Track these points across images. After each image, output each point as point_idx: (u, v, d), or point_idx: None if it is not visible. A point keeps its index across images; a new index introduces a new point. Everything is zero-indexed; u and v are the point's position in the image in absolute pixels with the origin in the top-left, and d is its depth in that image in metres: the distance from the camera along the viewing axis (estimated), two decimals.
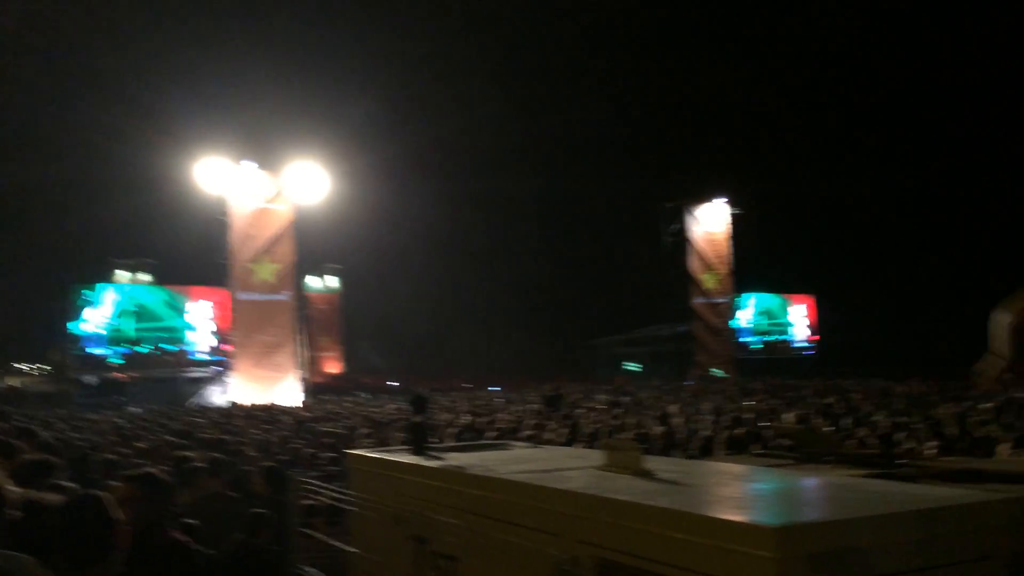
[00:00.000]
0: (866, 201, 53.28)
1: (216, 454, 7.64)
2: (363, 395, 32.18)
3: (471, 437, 10.85)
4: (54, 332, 43.76)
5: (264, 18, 70.36)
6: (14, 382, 52.04)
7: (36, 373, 61.30)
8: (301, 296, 40.52)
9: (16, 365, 65.26)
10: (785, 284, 50.28)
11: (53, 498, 3.47)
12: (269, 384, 33.78)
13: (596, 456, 4.43)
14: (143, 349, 37.80)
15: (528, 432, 11.20)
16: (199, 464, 7.43)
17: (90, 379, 35.73)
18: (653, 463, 3.99)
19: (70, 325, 36.83)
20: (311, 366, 41.92)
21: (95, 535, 2.63)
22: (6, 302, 56.94)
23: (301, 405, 27.39)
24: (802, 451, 5.39)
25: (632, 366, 50.83)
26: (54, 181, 52.32)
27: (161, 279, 41.17)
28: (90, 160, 50.53)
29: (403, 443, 6.54)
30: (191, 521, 5.36)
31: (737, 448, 7.78)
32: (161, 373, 37.23)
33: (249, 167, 34.99)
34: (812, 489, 3.55)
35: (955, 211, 50.42)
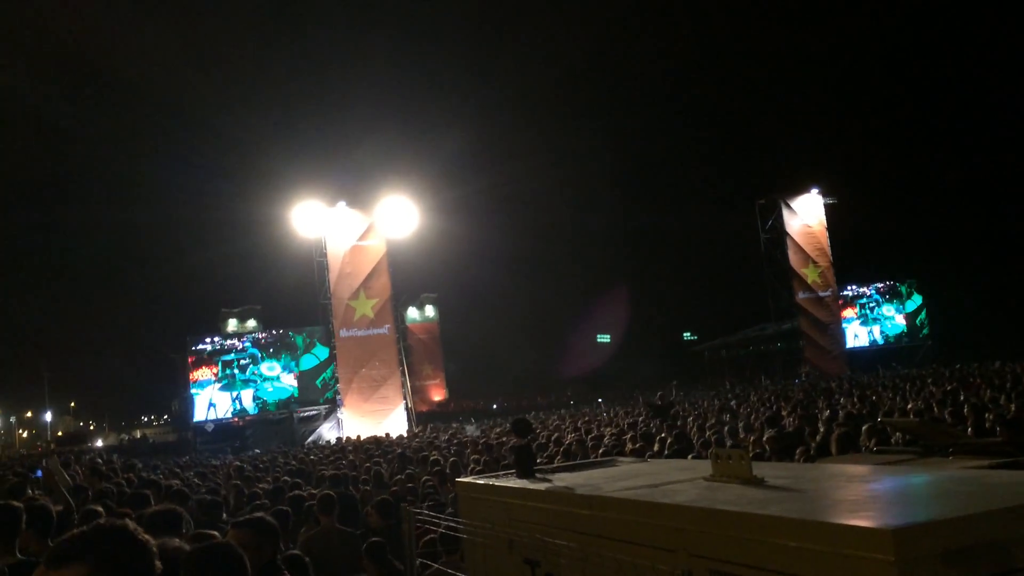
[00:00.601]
0: (964, 186, 51.11)
1: (328, 491, 7.82)
2: (469, 425, 32.56)
3: (578, 455, 10.81)
4: (173, 384, 45.81)
5: (354, 62, 72.53)
6: (139, 434, 54.71)
7: (160, 424, 64.30)
8: (401, 328, 41.30)
9: (143, 418, 68.59)
10: (890, 273, 48.44)
11: (185, 546, 3.63)
12: (378, 417, 34.50)
13: (704, 467, 4.36)
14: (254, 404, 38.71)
15: (635, 446, 11.07)
16: (312, 502, 7.63)
17: (208, 426, 37.18)
18: (763, 469, 3.90)
19: (188, 378, 38.31)
20: (416, 395, 42.57)
21: None
22: (129, 358, 60.05)
23: (409, 435, 27.82)
24: (922, 445, 5.18)
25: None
26: (164, 234, 55.14)
27: (267, 323, 42.65)
28: (195, 213, 52.99)
29: (510, 467, 6.57)
30: (302, 557, 5.52)
31: (854, 446, 7.51)
32: (275, 415, 38.42)
33: (342, 208, 36.09)
34: (930, 485, 3.40)
35: None
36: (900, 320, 47.69)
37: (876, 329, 47.02)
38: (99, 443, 47.22)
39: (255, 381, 38.28)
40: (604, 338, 59.72)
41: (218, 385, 37.57)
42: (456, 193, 48.71)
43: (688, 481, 4.06)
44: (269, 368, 38.79)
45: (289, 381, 38.34)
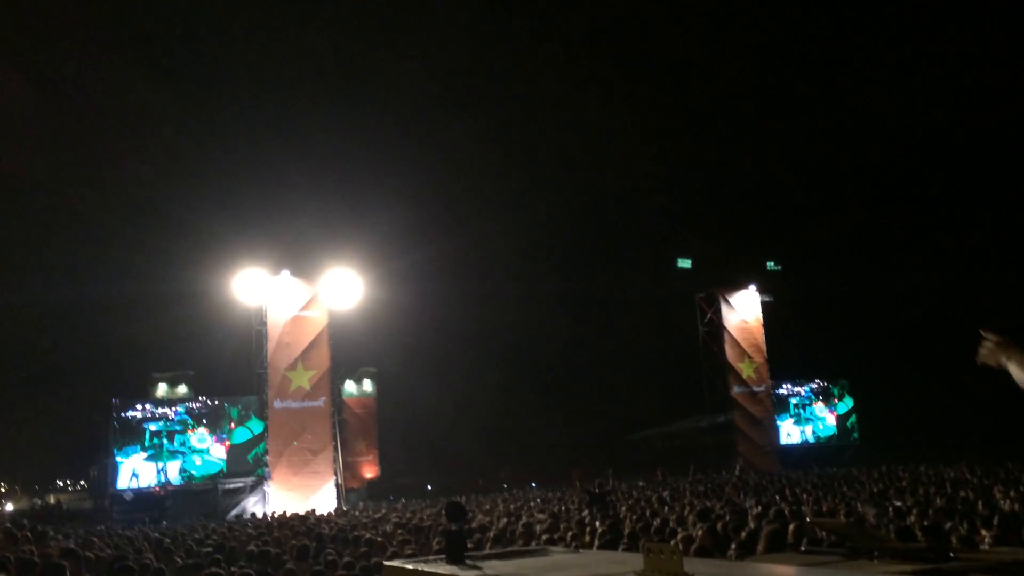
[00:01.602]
0: (897, 289, 53.06)
1: (248, 569, 7.59)
2: (400, 502, 31.84)
3: (510, 542, 10.69)
4: (94, 449, 44.12)
5: (296, 134, 73.05)
6: (52, 499, 52.32)
7: (76, 490, 61.60)
8: (337, 401, 40.65)
9: (58, 482, 65.71)
10: (818, 372, 49.56)
11: None
12: (307, 492, 33.61)
13: (636, 560, 4.37)
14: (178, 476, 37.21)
15: (569, 533, 10.99)
16: None
17: (127, 494, 35.71)
18: (694, 566, 3.93)
19: (110, 443, 36.88)
20: (348, 471, 41.63)
21: None
22: (48, 420, 57.79)
23: (337, 512, 27.14)
24: (848, 547, 5.26)
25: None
26: (94, 299, 53.79)
27: (199, 390, 41.55)
28: (130, 278, 51.96)
29: (440, 552, 6.46)
30: None
31: (782, 544, 7.58)
32: (199, 485, 37.12)
33: (285, 277, 35.76)
34: None
35: (992, 299, 49.77)
36: (831, 420, 48.58)
37: (808, 428, 47.78)
38: (9, 507, 45.01)
39: (183, 452, 36.94)
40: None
41: (144, 455, 36.21)
42: (401, 263, 48.75)
43: (619, 575, 4.05)
44: (199, 440, 37.50)
45: (219, 454, 37.13)
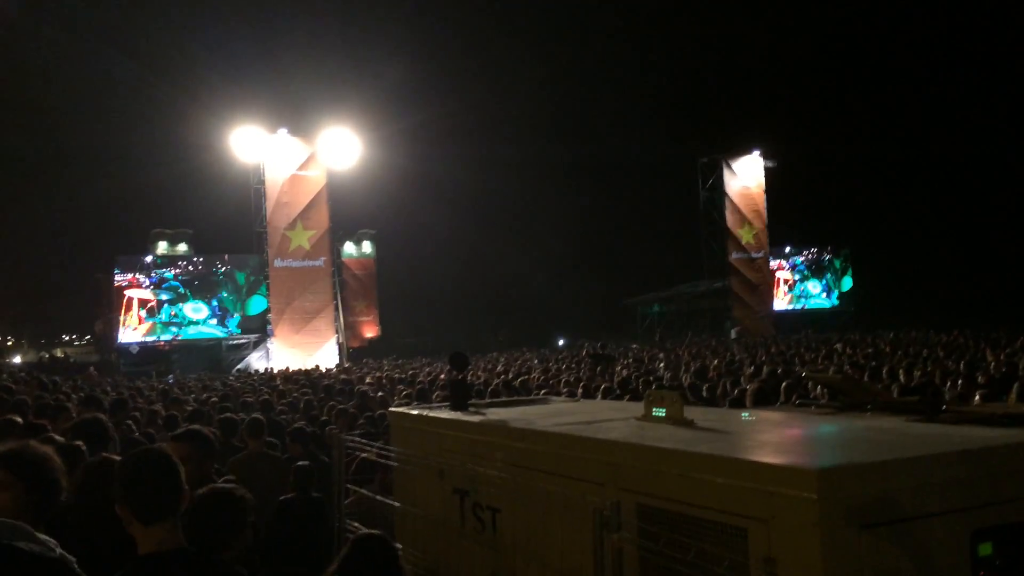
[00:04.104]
0: (903, 154, 52.37)
1: (257, 415, 7.78)
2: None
3: (510, 395, 10.92)
4: (99, 303, 44.66)
5: None
6: (60, 353, 53.39)
7: (82, 344, 62.82)
8: (337, 262, 40.88)
9: (64, 337, 66.89)
10: (821, 238, 49.64)
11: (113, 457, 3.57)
12: (309, 349, 34.30)
13: (637, 408, 4.46)
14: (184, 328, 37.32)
15: (567, 388, 11.26)
16: (241, 426, 7.59)
17: (132, 347, 36.38)
18: (694, 412, 4.00)
19: (114, 294, 37.18)
20: (349, 331, 42.35)
21: (165, 488, 2.67)
22: (51, 275, 58.31)
23: (339, 369, 27.75)
24: (842, 400, 5.36)
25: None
26: (94, 151, 53.25)
27: (199, 248, 41.70)
28: (129, 131, 51.25)
29: (444, 400, 6.61)
30: (232, 479, 5.51)
31: (775, 399, 7.76)
32: (203, 341, 37.78)
33: (283, 135, 35.25)
34: (852, 433, 3.54)
35: (996, 166, 49.25)
36: (828, 288, 49.06)
37: (804, 293, 48.28)
38: (17, 359, 45.96)
39: (178, 325, 37.00)
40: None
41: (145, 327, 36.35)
42: (400, 125, 48.07)
43: (620, 420, 4.14)
44: (194, 310, 37.52)
45: (216, 325, 37.30)
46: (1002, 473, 2.77)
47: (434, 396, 10.97)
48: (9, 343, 60.33)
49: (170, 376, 28.53)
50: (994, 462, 2.78)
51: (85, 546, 2.74)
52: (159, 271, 37.91)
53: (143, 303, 36.75)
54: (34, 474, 2.89)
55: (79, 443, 4.25)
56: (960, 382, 9.01)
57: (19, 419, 5.96)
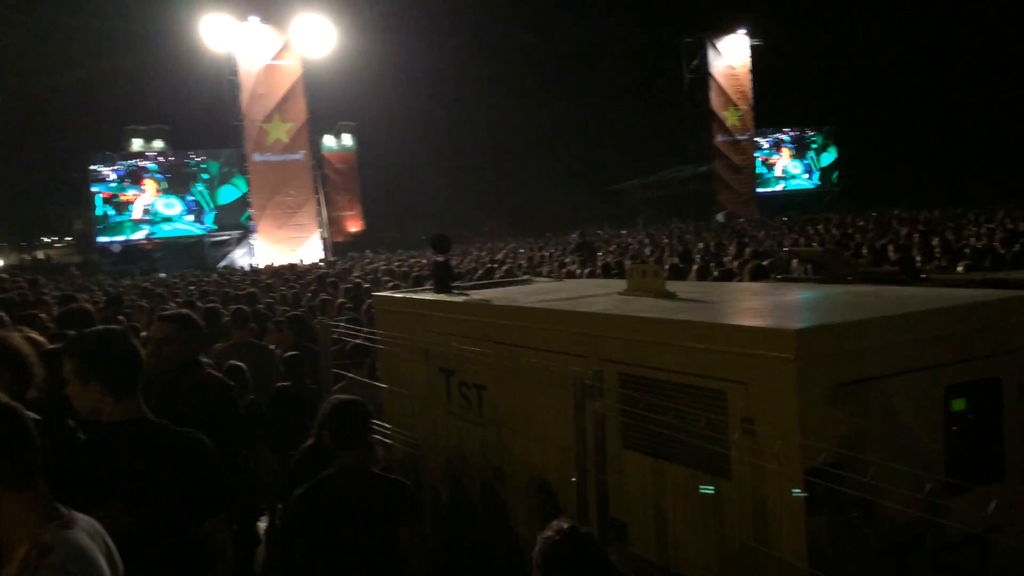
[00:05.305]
0: (890, 33, 51.31)
1: (242, 306, 7.79)
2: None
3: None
4: (76, 202, 44.06)
5: None
6: (41, 255, 53.05)
7: (62, 245, 62.29)
8: (318, 156, 40.23)
9: (43, 238, 66.25)
10: (806, 119, 49.08)
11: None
12: (292, 244, 34.15)
13: (620, 284, 4.49)
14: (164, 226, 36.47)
15: (551, 271, 11.32)
16: (227, 316, 7.61)
17: (115, 247, 36.05)
18: (675, 286, 4.03)
19: (94, 201, 36.51)
20: (332, 226, 42.09)
21: (125, 364, 2.70)
22: (25, 175, 57.28)
23: (324, 263, 27.74)
24: (825, 273, 5.42)
25: None
26: (61, 42, 51.49)
27: (175, 144, 40.88)
28: (96, 18, 49.29)
29: (428, 282, 6.63)
30: (241, 366, 5.58)
31: (766, 276, 7.83)
32: (185, 239, 37.46)
33: (254, 23, 34.04)
34: (829, 298, 3.58)
35: (981, 48, 48.32)
36: (809, 168, 48.84)
37: (785, 173, 48.06)
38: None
39: (151, 223, 36.28)
40: None
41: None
42: (375, 11, 46.33)
43: (603, 295, 4.18)
44: (167, 205, 36.73)
45: (192, 222, 36.71)
46: (975, 331, 2.82)
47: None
48: None
49: (162, 274, 28.39)
50: (967, 320, 2.82)
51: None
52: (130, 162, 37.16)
53: (107, 199, 35.90)
54: (17, 361, 2.90)
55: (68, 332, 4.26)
56: (940, 254, 9.10)
57: (4, 315, 5.96)
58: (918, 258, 8.87)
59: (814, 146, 48.83)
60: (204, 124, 42.08)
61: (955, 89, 48.51)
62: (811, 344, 2.51)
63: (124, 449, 2.61)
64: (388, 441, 4.95)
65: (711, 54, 43.11)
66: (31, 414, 1.92)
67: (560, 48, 63.02)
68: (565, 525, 2.29)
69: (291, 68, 34.89)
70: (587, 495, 2.96)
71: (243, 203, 36.05)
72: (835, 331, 2.62)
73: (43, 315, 5.95)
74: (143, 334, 5.55)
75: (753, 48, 44.05)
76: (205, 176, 37.36)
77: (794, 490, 2.45)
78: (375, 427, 3.72)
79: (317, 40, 34.87)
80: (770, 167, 47.39)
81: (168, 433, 2.73)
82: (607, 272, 10.62)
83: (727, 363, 2.71)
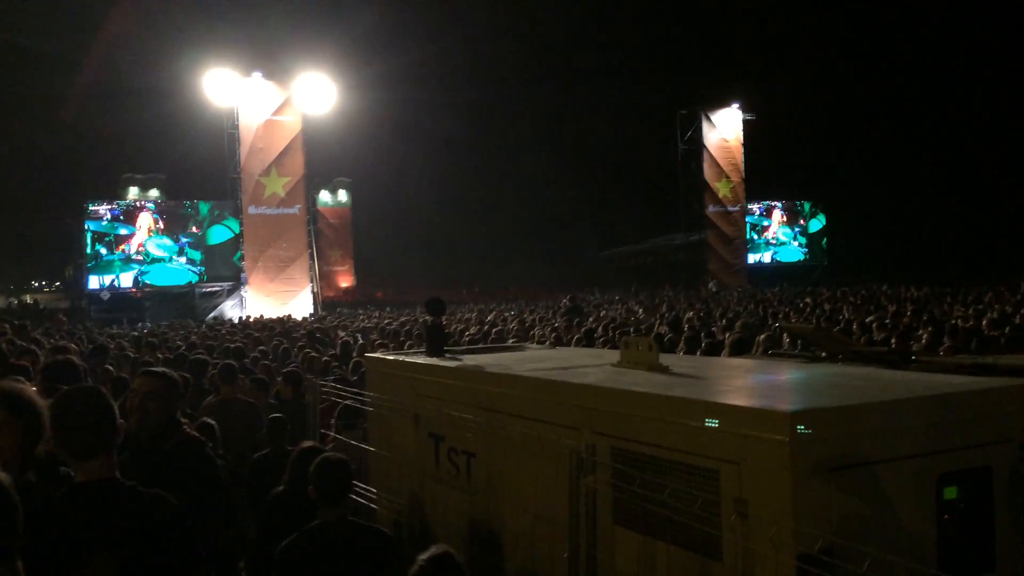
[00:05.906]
0: (882, 111, 52.39)
1: (230, 361, 7.76)
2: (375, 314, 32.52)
3: (486, 343, 10.97)
4: (69, 249, 44.01)
5: None
6: (29, 299, 52.73)
7: (52, 290, 62.08)
8: (312, 210, 40.46)
9: (33, 283, 66.05)
10: (797, 192, 49.76)
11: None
12: (283, 298, 34.11)
13: (613, 355, 4.49)
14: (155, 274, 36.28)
15: (542, 336, 11.32)
16: (213, 371, 7.57)
17: (103, 294, 35.86)
18: (668, 359, 4.04)
19: (85, 243, 36.45)
20: (324, 280, 42.14)
21: (96, 425, 2.64)
22: (21, 221, 57.35)
23: (314, 318, 27.67)
24: (814, 350, 5.43)
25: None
26: (66, 95, 52.03)
27: (171, 194, 41.08)
28: (99, 72, 49.94)
29: (420, 346, 6.62)
30: (212, 423, 5.50)
31: (746, 351, 7.83)
32: (176, 288, 37.31)
33: (257, 79, 34.61)
34: (823, 378, 3.59)
35: (971, 123, 49.35)
36: (801, 241, 49.31)
37: (779, 245, 48.49)
38: None
39: (141, 261, 36.10)
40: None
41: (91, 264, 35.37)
42: (376, 71, 47.17)
43: (596, 366, 4.18)
44: (159, 246, 36.62)
45: (183, 263, 36.62)
46: (968, 419, 2.82)
47: (406, 345, 10.99)
48: None
49: (148, 324, 28.20)
50: (960, 408, 2.83)
51: None
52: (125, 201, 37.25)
53: (99, 237, 35.75)
54: (31, 413, 2.87)
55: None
56: (925, 335, 9.15)
57: None
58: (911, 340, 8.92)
59: (803, 212, 49.44)
60: (201, 175, 42.43)
61: (949, 167, 49.31)
62: (805, 426, 2.51)
63: (84, 512, 2.54)
64: (373, 505, 4.90)
65: (705, 126, 43.94)
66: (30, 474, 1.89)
67: (557, 112, 64.00)
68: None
69: (291, 124, 35.33)
70: (578, 571, 2.92)
71: (235, 243, 36.03)
72: (830, 415, 2.63)
73: (30, 364, 5.89)
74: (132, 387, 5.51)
75: (745, 122, 44.92)
76: (198, 217, 37.40)
77: None
78: (360, 489, 3.70)
79: (318, 97, 35.41)
80: (761, 232, 47.86)
81: (133, 495, 2.65)
82: (590, 339, 10.65)
83: (720, 442, 2.71)
